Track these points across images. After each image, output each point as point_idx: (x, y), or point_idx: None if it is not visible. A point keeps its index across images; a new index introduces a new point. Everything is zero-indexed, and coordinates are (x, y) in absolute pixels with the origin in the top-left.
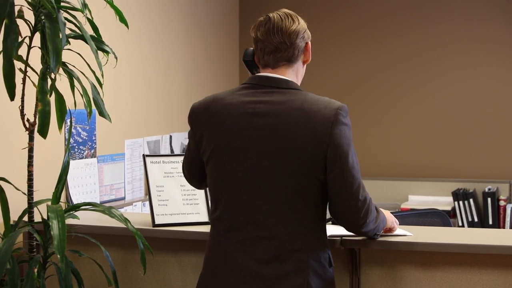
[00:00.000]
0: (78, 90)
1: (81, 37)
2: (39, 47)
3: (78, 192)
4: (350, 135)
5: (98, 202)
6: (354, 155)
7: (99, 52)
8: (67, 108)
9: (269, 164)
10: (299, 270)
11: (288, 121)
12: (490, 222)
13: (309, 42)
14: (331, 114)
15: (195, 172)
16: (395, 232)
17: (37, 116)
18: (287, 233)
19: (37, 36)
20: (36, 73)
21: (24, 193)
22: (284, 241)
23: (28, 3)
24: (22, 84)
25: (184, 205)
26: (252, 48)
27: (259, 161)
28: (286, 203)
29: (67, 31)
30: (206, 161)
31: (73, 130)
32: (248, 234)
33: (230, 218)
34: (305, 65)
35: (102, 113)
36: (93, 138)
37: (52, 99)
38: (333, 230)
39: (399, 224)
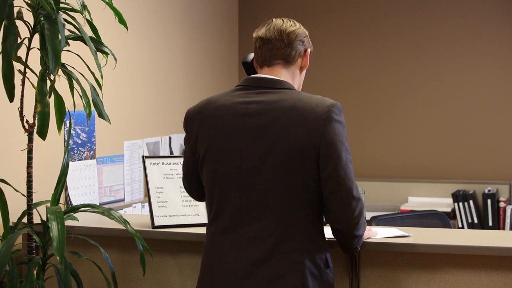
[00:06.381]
0: (77, 92)
1: (80, 38)
2: (38, 49)
3: (77, 193)
4: (344, 132)
5: (98, 204)
6: (348, 153)
7: (98, 54)
8: (66, 110)
9: (262, 163)
10: (294, 270)
11: (280, 120)
12: (490, 224)
13: (309, 50)
14: (323, 112)
15: (194, 182)
16: (395, 234)
17: (36, 118)
18: (281, 233)
19: (36, 37)
20: (36, 74)
21: (23, 195)
22: (279, 241)
23: (27, 4)
24: (21, 86)
25: (184, 207)
26: (252, 53)
27: (252, 161)
28: (280, 203)
29: (67, 33)
30: (200, 164)
31: (72, 132)
32: (242, 235)
33: (225, 220)
34: (303, 72)
35: (101, 115)
36: (92, 139)
37: (52, 100)
38: None
39: (399, 226)
